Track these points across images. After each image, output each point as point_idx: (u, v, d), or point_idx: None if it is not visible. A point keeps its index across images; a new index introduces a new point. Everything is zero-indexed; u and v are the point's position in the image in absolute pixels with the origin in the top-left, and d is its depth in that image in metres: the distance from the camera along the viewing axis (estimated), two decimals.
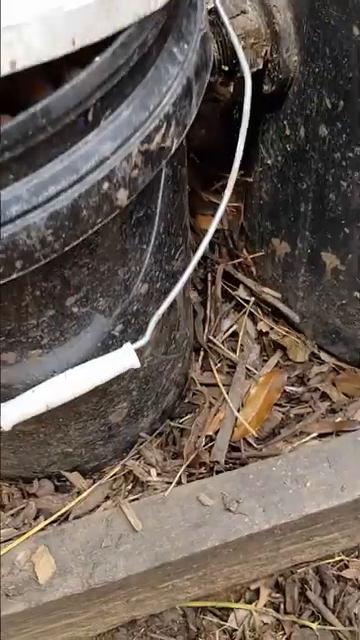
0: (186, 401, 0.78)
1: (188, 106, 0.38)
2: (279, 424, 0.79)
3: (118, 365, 0.50)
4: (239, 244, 0.83)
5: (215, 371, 0.79)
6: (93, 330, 0.50)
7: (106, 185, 0.34)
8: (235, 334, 0.83)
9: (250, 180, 0.72)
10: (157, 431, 0.76)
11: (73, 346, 0.50)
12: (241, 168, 0.54)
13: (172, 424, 0.77)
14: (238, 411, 0.76)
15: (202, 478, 0.72)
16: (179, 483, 0.71)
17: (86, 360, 0.51)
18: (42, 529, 0.67)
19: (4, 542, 0.65)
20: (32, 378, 0.50)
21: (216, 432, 0.75)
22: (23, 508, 0.70)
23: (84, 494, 0.71)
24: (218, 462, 0.73)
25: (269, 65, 0.55)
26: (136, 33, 0.32)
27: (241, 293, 0.83)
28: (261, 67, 0.55)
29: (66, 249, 0.35)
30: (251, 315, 0.83)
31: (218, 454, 0.73)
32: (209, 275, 0.83)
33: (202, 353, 0.81)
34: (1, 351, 0.45)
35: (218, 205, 0.77)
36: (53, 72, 0.32)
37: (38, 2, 0.28)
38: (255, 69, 0.54)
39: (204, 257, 0.83)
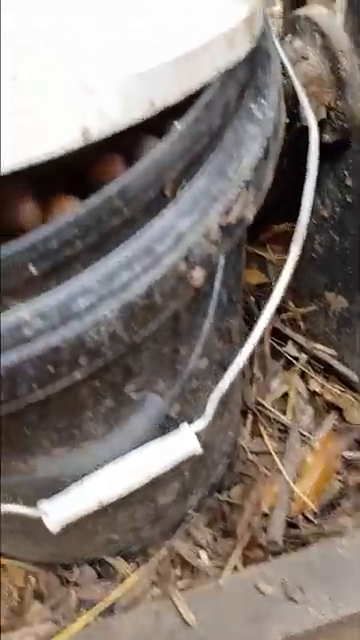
0: (235, 471, 0.72)
1: (266, 169, 0.33)
2: (338, 494, 0.72)
3: (177, 452, 0.44)
4: (286, 298, 0.78)
5: (266, 437, 0.73)
6: (149, 413, 0.45)
7: (183, 266, 0.29)
8: (285, 394, 0.77)
9: None
10: (204, 506, 0.69)
11: (127, 432, 0.44)
12: (290, 219, 0.49)
13: (221, 498, 0.70)
14: (294, 482, 0.70)
15: (258, 560, 0.65)
16: (234, 568, 0.64)
17: (140, 446, 0.45)
18: (86, 624, 0.61)
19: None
20: (82, 470, 0.44)
21: (271, 507, 0.69)
22: (63, 599, 0.63)
23: (129, 581, 0.64)
24: (276, 542, 0.66)
25: (332, 114, 0.50)
26: (219, 92, 0.28)
27: (290, 350, 0.77)
28: (324, 116, 0.50)
29: (135, 340, 0.30)
30: (302, 373, 0.77)
31: (276, 534, 0.66)
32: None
33: (250, 417, 0.75)
34: (51, 447, 0.39)
35: (264, 258, 0.72)
36: (121, 141, 0.27)
37: (110, 62, 0.23)
38: (318, 119, 0.50)
39: (249, 313, 0.78)
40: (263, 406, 0.75)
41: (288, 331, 0.76)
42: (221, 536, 0.69)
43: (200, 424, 0.45)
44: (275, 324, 0.77)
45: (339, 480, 0.73)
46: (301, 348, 0.76)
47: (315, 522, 0.69)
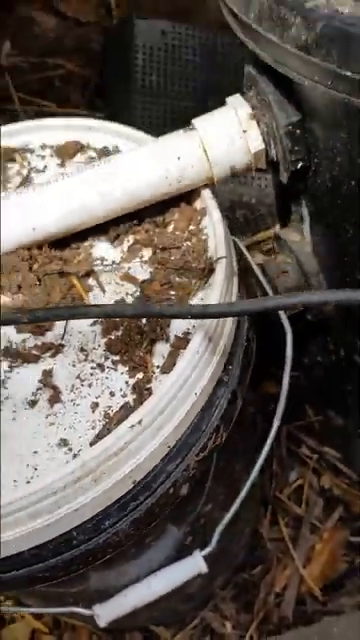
0: (256, 554, 0.88)
1: (235, 407, 0.50)
2: (344, 574, 0.87)
3: (190, 571, 0.62)
4: (304, 407, 0.93)
5: (282, 526, 0.89)
6: (168, 543, 0.62)
7: (172, 490, 0.47)
8: (300, 487, 0.92)
9: None
10: (231, 583, 0.86)
11: (153, 555, 0.62)
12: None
13: (244, 576, 0.87)
14: (304, 567, 0.85)
15: (272, 633, 0.81)
16: (251, 638, 0.80)
17: (163, 564, 0.63)
18: None
19: None
20: (121, 582, 0.62)
21: (284, 587, 0.84)
22: None
23: None
24: (287, 617, 0.82)
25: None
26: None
27: (305, 451, 0.93)
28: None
29: (144, 532, 0.48)
30: (314, 470, 0.92)
31: (286, 610, 0.82)
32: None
33: (270, 507, 0.91)
34: (101, 570, 0.58)
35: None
36: None
37: None
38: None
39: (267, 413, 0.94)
40: (280, 499, 0.90)
41: (302, 436, 0.92)
42: (243, 608, 0.85)
43: (207, 550, 0.62)
44: (291, 429, 0.92)
45: (346, 561, 0.88)
46: (313, 450, 0.92)
47: (321, 600, 0.84)
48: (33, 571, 0.44)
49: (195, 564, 0.62)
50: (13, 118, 1.12)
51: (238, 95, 0.54)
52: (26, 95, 1.17)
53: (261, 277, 0.63)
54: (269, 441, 0.64)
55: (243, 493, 0.63)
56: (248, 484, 0.63)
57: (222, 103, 0.54)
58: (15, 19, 1.20)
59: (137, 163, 0.52)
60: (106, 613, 0.61)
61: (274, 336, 0.61)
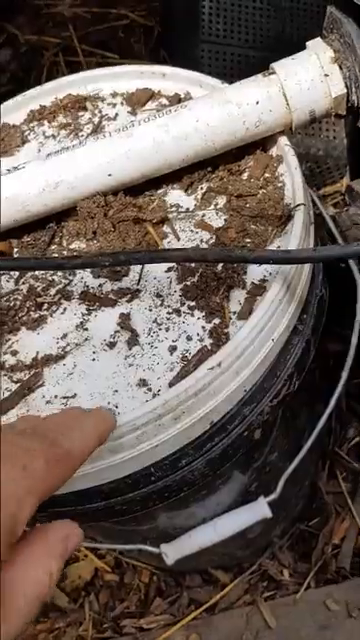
0: (314, 506, 0.89)
1: (308, 356, 0.51)
2: None
3: (254, 516, 0.63)
4: None
5: (340, 480, 0.90)
6: (234, 488, 0.64)
7: (246, 433, 0.48)
8: (359, 443, 0.92)
9: None
10: (288, 533, 0.88)
11: (219, 498, 0.64)
12: None
13: (302, 527, 0.88)
14: None
15: (329, 581, 0.83)
16: (308, 586, 0.82)
17: (228, 508, 0.64)
18: (194, 618, 0.82)
19: (163, 627, 0.81)
20: (188, 523, 0.64)
21: (342, 539, 0.86)
22: (178, 597, 0.85)
23: (227, 588, 0.84)
24: (344, 568, 0.83)
25: None
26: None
27: None
28: None
29: (218, 472, 0.49)
30: None
31: (344, 561, 0.83)
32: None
33: (328, 462, 0.92)
34: (170, 510, 0.60)
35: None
36: None
37: None
38: None
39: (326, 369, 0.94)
40: (338, 454, 0.91)
41: None
42: (300, 558, 0.87)
43: (271, 497, 0.63)
44: (351, 386, 0.92)
45: None
46: None
47: None
48: (112, 504, 0.46)
49: (260, 509, 0.63)
50: (76, 70, 1.12)
51: (319, 39, 0.53)
52: (89, 47, 1.16)
53: (333, 228, 0.63)
54: (336, 394, 0.64)
55: (309, 443, 0.64)
56: (314, 434, 0.64)
57: (291, 52, 0.53)
58: None
59: (214, 107, 0.51)
60: (173, 552, 0.63)
61: (336, 293, 0.61)
